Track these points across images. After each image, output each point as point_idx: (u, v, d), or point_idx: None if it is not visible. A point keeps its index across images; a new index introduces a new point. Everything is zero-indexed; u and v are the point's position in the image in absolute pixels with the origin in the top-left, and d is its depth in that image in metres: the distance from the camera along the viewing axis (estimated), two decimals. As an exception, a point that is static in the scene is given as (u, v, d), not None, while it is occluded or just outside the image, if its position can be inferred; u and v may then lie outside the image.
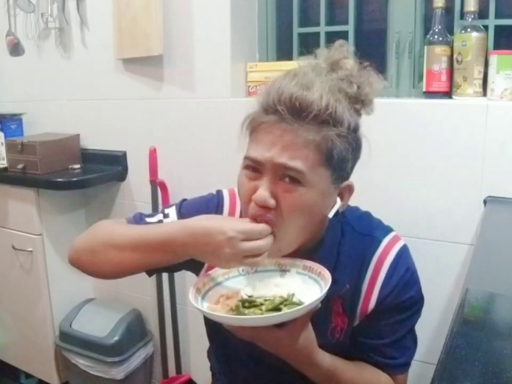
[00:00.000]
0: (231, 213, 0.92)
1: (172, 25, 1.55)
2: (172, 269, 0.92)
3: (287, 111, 0.72)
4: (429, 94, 1.28)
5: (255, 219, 0.75)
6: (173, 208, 0.93)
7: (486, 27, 1.24)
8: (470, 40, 1.19)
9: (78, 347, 1.73)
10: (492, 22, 1.26)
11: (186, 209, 0.92)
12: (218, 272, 0.83)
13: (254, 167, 0.76)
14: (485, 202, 1.17)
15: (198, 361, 1.77)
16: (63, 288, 1.83)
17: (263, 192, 0.73)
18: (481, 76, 1.21)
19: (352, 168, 0.80)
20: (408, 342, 0.88)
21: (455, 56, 1.23)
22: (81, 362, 1.73)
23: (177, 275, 1.69)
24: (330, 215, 0.80)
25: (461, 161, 1.21)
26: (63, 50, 1.83)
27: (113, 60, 1.70)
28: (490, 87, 1.19)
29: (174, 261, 0.80)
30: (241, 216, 0.87)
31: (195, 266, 0.90)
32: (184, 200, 0.96)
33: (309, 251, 0.84)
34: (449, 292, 1.27)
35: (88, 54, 1.77)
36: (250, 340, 0.75)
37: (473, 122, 1.18)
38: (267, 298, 0.75)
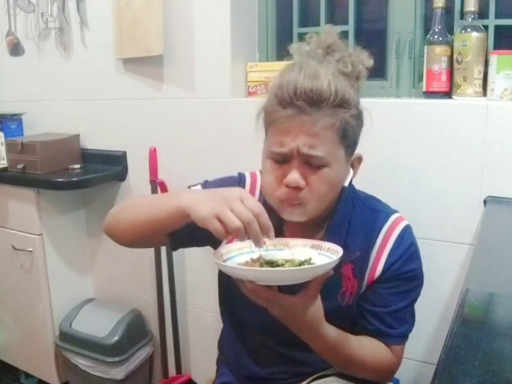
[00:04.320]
0: (250, 194, 0.99)
1: (172, 25, 1.55)
2: (194, 240, 0.97)
3: (306, 103, 0.80)
4: (429, 94, 1.28)
5: (288, 202, 0.85)
6: (198, 186, 1.02)
7: (486, 27, 1.24)
8: (470, 40, 1.19)
9: (78, 347, 1.73)
10: (492, 22, 1.26)
11: (211, 185, 1.01)
12: (233, 247, 0.86)
13: (279, 159, 0.85)
14: (485, 202, 1.17)
15: (198, 361, 1.78)
16: (63, 288, 1.83)
17: (295, 175, 0.83)
18: (481, 76, 1.21)
19: (357, 142, 0.91)
20: (407, 315, 0.95)
21: (455, 56, 1.23)
22: (81, 362, 1.73)
23: (177, 275, 1.69)
24: (346, 183, 0.93)
25: (461, 161, 1.21)
26: (63, 50, 1.82)
27: (113, 60, 1.70)
28: (490, 87, 1.19)
29: (175, 217, 0.80)
30: (264, 201, 0.95)
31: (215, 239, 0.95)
32: (206, 180, 1.04)
33: (323, 219, 0.95)
34: (449, 292, 1.27)
35: (88, 54, 1.77)
36: (266, 305, 0.79)
37: (473, 122, 1.18)
38: (287, 259, 0.81)
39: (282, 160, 0.85)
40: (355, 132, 0.88)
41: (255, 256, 0.83)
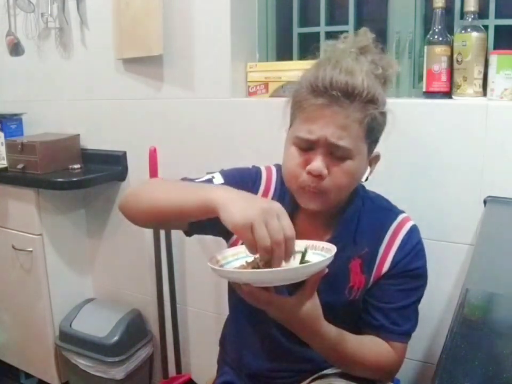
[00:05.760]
0: (266, 190, 1.01)
1: (172, 25, 1.55)
2: (212, 229, 0.96)
3: (340, 94, 0.82)
4: (429, 94, 1.28)
5: (308, 189, 0.86)
6: (217, 173, 1.00)
7: (486, 27, 1.23)
8: (470, 40, 1.19)
9: (78, 347, 1.73)
10: (492, 22, 1.26)
11: (230, 173, 1.01)
12: (228, 253, 0.86)
13: (304, 146, 0.87)
14: (485, 202, 1.17)
15: (198, 361, 1.78)
16: (63, 288, 1.83)
17: (319, 163, 0.84)
18: (481, 76, 1.21)
19: (379, 140, 0.93)
20: (411, 314, 0.96)
21: (455, 56, 1.23)
22: (81, 362, 1.73)
23: (177, 275, 1.69)
24: (363, 179, 0.95)
25: (461, 161, 1.21)
26: (63, 50, 1.82)
27: (113, 60, 1.70)
28: (490, 87, 1.19)
29: (201, 210, 0.78)
30: (279, 193, 0.99)
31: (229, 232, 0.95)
32: (222, 169, 1.03)
33: (334, 214, 0.96)
34: (449, 292, 1.27)
35: (88, 54, 1.77)
36: (263, 306, 0.79)
37: (473, 122, 1.18)
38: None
39: (307, 148, 0.87)
40: (380, 129, 0.90)
41: (250, 260, 0.82)
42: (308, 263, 0.77)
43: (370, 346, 0.92)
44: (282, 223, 0.72)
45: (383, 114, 0.89)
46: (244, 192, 0.79)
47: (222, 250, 0.87)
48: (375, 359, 0.92)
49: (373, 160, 0.96)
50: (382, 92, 0.88)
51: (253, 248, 0.72)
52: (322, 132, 0.83)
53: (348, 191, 0.92)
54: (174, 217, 0.86)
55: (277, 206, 0.74)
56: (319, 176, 0.85)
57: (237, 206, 0.72)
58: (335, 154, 0.85)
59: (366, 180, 0.97)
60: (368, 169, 0.95)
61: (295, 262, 0.79)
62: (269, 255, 0.71)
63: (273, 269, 0.74)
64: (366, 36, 0.93)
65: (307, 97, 0.86)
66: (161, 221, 0.92)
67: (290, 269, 0.75)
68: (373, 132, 0.88)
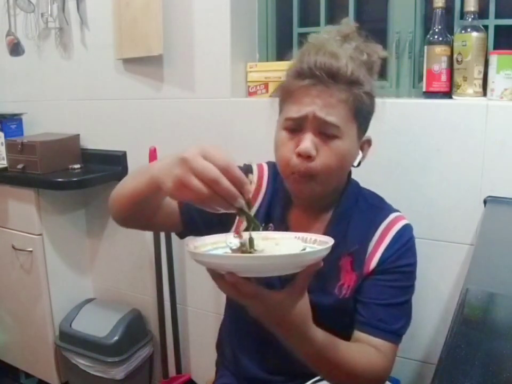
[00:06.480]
0: (258, 187, 1.01)
1: (172, 25, 1.55)
2: (204, 222, 0.95)
3: (325, 74, 0.84)
4: (429, 94, 1.28)
5: (299, 174, 0.86)
6: None
7: (486, 27, 1.23)
8: (470, 40, 1.19)
9: (78, 347, 1.73)
10: (492, 22, 1.26)
11: None
12: (206, 241, 0.75)
13: (294, 126, 0.87)
14: (485, 202, 1.17)
15: (198, 361, 1.78)
16: (63, 288, 1.83)
17: (307, 144, 0.84)
18: (481, 75, 1.21)
19: (369, 123, 0.94)
20: (401, 313, 0.92)
21: (455, 56, 1.23)
22: (81, 362, 1.73)
23: (177, 275, 1.69)
24: (355, 164, 0.95)
25: (461, 161, 1.21)
26: (63, 50, 1.83)
27: (113, 60, 1.70)
28: (490, 87, 1.19)
29: (150, 189, 0.76)
30: (267, 188, 1.00)
31: (224, 225, 0.95)
32: None
33: (326, 208, 0.96)
34: (449, 292, 1.27)
35: (88, 54, 1.77)
36: (246, 301, 0.70)
37: (473, 122, 1.18)
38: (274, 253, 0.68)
39: (296, 128, 0.87)
40: (368, 111, 0.91)
41: (234, 247, 0.71)
42: (308, 251, 0.69)
43: (357, 352, 0.85)
44: (212, 159, 0.63)
45: (370, 96, 0.89)
46: (173, 154, 0.69)
47: (200, 237, 0.76)
48: (363, 366, 0.84)
49: (365, 145, 0.96)
50: (367, 75, 0.89)
51: (203, 204, 0.65)
52: (311, 108, 0.84)
53: (338, 174, 0.91)
54: (133, 203, 0.84)
55: (196, 146, 0.65)
56: (308, 158, 0.85)
57: (166, 173, 0.67)
58: (324, 132, 0.85)
59: (359, 165, 0.97)
60: (360, 154, 0.95)
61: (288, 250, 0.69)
62: (219, 199, 0.64)
63: (268, 254, 0.67)
64: (349, 25, 0.94)
65: (293, 81, 0.88)
66: (129, 212, 0.87)
67: (288, 255, 0.66)
68: (360, 113, 0.88)
